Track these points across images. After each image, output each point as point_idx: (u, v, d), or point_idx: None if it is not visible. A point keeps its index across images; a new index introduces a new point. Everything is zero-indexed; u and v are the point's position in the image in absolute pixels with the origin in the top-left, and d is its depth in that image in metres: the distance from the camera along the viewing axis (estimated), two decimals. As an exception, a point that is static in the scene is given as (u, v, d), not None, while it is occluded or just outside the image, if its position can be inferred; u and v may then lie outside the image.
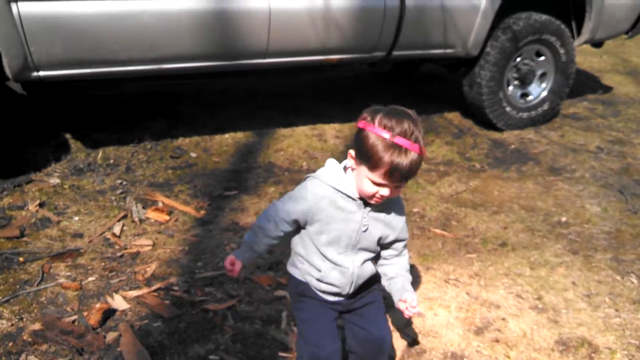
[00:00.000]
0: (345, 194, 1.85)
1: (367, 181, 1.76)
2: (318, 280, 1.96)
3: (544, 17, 4.53)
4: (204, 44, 3.69)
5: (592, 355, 2.50)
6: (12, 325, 2.47)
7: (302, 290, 2.01)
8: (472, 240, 3.34)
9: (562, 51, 4.69)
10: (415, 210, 3.64)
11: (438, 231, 3.41)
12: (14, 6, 3.20)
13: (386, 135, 1.67)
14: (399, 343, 2.51)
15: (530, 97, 4.83)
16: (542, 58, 4.73)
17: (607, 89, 6.06)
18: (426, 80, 5.92)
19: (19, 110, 4.23)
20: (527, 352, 2.51)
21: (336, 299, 1.99)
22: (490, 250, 3.24)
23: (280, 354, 2.42)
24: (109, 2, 3.38)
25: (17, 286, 2.70)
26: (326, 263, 1.93)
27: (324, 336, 1.95)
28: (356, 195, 1.85)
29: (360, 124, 1.74)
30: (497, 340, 2.57)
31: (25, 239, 3.06)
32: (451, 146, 4.56)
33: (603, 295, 2.90)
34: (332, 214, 1.85)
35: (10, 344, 2.37)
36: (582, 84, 6.04)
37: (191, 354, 2.39)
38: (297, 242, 2.01)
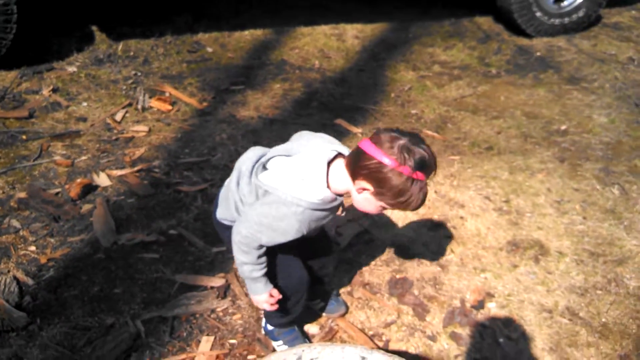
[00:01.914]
0: (329, 208, 1.73)
1: (379, 207, 1.66)
2: None
3: None
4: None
5: (539, 257, 2.53)
6: (3, 193, 2.74)
7: None
8: (460, 143, 3.34)
9: (602, -47, 4.40)
10: (413, 112, 3.64)
11: (429, 132, 3.42)
12: None
13: (418, 177, 1.56)
14: (349, 230, 2.62)
15: (564, 3, 4.59)
16: (580, -40, 4.46)
17: (664, -3, 5.64)
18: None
19: (46, 1, 4.45)
20: (474, 249, 2.56)
21: None
22: (475, 153, 3.24)
23: (235, 233, 2.58)
24: None
25: (16, 160, 2.97)
26: None
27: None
28: (341, 197, 1.74)
29: (382, 157, 1.56)
30: (448, 237, 2.63)
31: (33, 120, 3.32)
32: (472, 51, 4.45)
33: (575, 203, 2.88)
34: (312, 226, 1.74)
35: (-1, 208, 2.65)
36: (638, -9, 5.65)
37: (154, 227, 2.59)
38: None
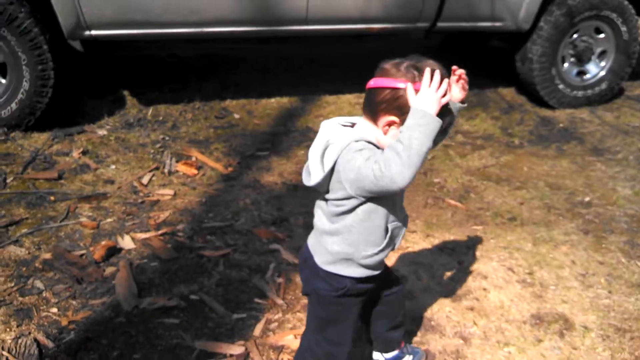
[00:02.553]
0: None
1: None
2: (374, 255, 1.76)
3: (604, -9, 4.33)
4: (243, 9, 3.86)
5: (564, 331, 2.48)
6: (29, 253, 2.79)
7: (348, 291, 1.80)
8: (483, 213, 3.33)
9: (623, 29, 4.47)
10: (436, 180, 3.66)
11: (452, 202, 3.43)
12: (67, -31, 3.50)
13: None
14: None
15: (587, 76, 4.65)
16: (602, 35, 4.53)
17: (688, 71, 5.68)
18: (484, 54, 5.79)
19: (82, 66, 4.62)
20: (497, 322, 2.52)
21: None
22: (498, 224, 3.23)
23: (256, 299, 2.58)
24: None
25: (43, 221, 3.03)
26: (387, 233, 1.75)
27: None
28: None
29: (393, 83, 1.59)
30: (471, 309, 2.60)
31: (62, 181, 3.39)
32: (496, 121, 4.50)
33: (600, 276, 2.84)
34: None
35: (24, 268, 2.68)
36: (661, 65, 5.70)
37: (175, 291, 2.60)
38: (352, 224, 1.70)
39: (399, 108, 1.58)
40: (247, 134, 4.17)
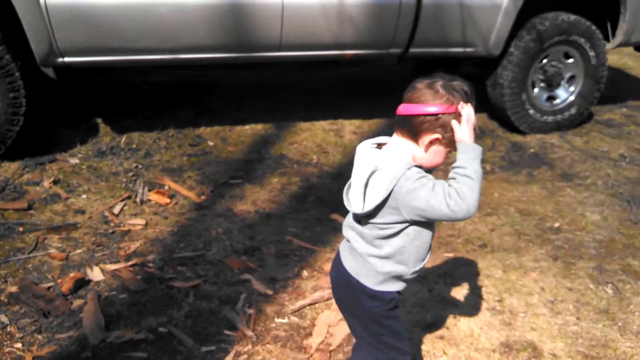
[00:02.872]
0: None
1: (446, 152, 1.73)
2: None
3: (573, 17, 4.41)
4: (218, 35, 3.88)
5: (533, 359, 2.50)
6: (-5, 286, 2.75)
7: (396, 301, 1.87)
8: (454, 239, 3.35)
9: (592, 54, 4.55)
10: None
11: (424, 229, 3.44)
12: (40, -4, 3.50)
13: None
14: (345, 327, 2.60)
15: (557, 101, 4.72)
16: (571, 60, 4.61)
17: (655, 96, 5.80)
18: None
19: (54, 94, 4.61)
20: (467, 350, 2.53)
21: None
22: (469, 251, 3.25)
23: (226, 331, 2.56)
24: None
25: (11, 253, 2.99)
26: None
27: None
28: None
29: (431, 108, 1.66)
30: (441, 337, 2.60)
31: (31, 211, 3.36)
32: (468, 146, 4.53)
33: (568, 303, 2.86)
34: None
35: (-11, 303, 2.65)
36: (629, 90, 5.81)
37: (144, 324, 2.58)
38: (404, 244, 1.76)
39: (443, 126, 1.67)
40: (220, 161, 4.17)
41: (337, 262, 1.89)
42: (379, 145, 1.78)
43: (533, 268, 3.11)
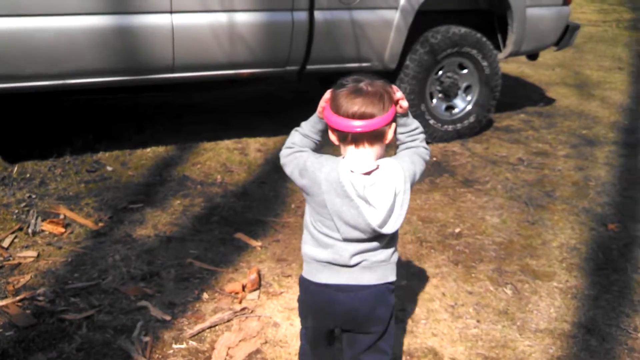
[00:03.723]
0: None
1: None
2: None
3: (463, 30, 4.56)
4: (107, 59, 3.78)
5: (433, 365, 2.51)
6: None
7: None
8: (358, 251, 3.35)
9: (484, 63, 4.71)
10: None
11: (328, 243, 3.43)
12: None
13: None
14: (245, 347, 2.54)
15: (455, 110, 4.85)
16: (465, 71, 4.76)
17: (550, 101, 6.06)
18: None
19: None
20: (369, 361, 2.51)
21: None
22: (372, 262, 3.25)
23: (120, 362, 2.46)
24: (11, 19, 3.48)
25: None
26: None
27: None
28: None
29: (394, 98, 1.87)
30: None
31: None
32: (372, 159, 4.58)
33: (468, 306, 2.91)
34: None
35: None
36: (526, 97, 6.06)
37: (31, 362, 2.43)
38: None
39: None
40: (120, 186, 4.04)
41: (350, 295, 1.87)
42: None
43: (434, 274, 3.15)
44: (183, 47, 3.87)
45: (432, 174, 4.36)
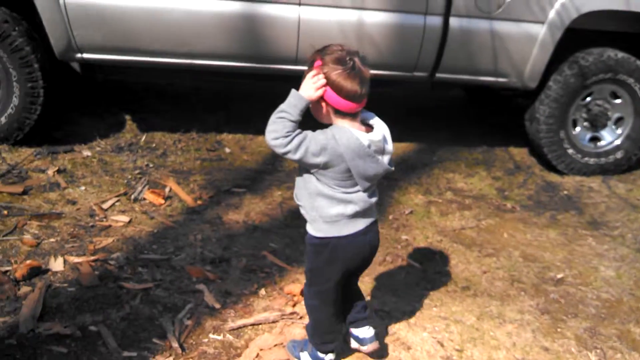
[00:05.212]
0: None
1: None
2: None
3: (621, 54, 4.05)
4: (232, 44, 3.85)
5: (469, 419, 2.24)
6: (-42, 264, 2.81)
7: None
8: (439, 277, 3.12)
9: (643, 95, 4.16)
10: (404, 237, 3.47)
11: (411, 261, 3.23)
12: (60, -7, 3.60)
13: None
14: (277, 354, 2.45)
15: (601, 142, 4.34)
16: (619, 100, 4.23)
17: None
18: (502, 111, 5.53)
19: (86, 87, 4.74)
20: (400, 398, 2.32)
21: None
22: (449, 291, 3.00)
23: (154, 340, 2.48)
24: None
25: (-14, 233, 3.06)
26: None
27: None
28: None
29: None
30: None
31: (25, 196, 3.44)
32: (495, 181, 4.25)
33: (537, 363, 2.57)
34: None
35: (-55, 279, 2.70)
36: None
37: (78, 320, 2.54)
38: None
39: None
40: (232, 169, 4.12)
41: (370, 230, 2.20)
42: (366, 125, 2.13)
43: (512, 320, 2.82)
44: (308, 41, 3.82)
45: (557, 208, 3.94)
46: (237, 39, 3.83)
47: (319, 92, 2.01)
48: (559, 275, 3.21)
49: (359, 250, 2.19)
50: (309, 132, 2.04)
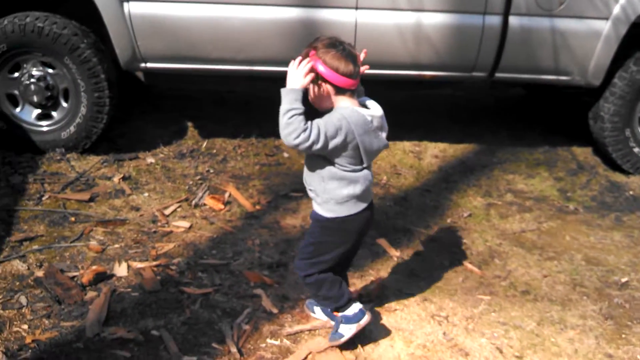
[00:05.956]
0: None
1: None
2: None
3: (689, 49, 3.89)
4: (290, 50, 3.89)
5: None
6: (28, 269, 2.95)
7: None
8: (498, 281, 3.07)
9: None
10: (463, 240, 3.43)
11: (469, 266, 3.20)
12: (125, 5, 3.74)
13: None
14: (329, 357, 2.48)
15: (670, 140, 4.17)
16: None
17: None
18: (564, 109, 5.37)
19: (149, 98, 4.88)
20: (456, 406, 2.30)
21: None
22: (508, 296, 2.96)
23: (214, 344, 2.54)
24: (202, 5, 3.77)
25: (56, 240, 3.20)
26: None
27: None
28: None
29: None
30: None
31: (91, 203, 3.58)
32: (557, 182, 4.15)
33: (600, 371, 2.50)
34: None
35: (17, 283, 2.85)
36: None
37: (140, 325, 2.63)
38: None
39: None
40: (290, 173, 4.17)
41: (370, 206, 2.42)
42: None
43: (574, 325, 2.76)
44: (365, 44, 3.83)
45: (622, 209, 3.82)
46: (295, 45, 3.86)
47: (308, 77, 2.15)
48: (624, 279, 3.11)
49: (362, 225, 2.40)
50: (317, 119, 2.16)
